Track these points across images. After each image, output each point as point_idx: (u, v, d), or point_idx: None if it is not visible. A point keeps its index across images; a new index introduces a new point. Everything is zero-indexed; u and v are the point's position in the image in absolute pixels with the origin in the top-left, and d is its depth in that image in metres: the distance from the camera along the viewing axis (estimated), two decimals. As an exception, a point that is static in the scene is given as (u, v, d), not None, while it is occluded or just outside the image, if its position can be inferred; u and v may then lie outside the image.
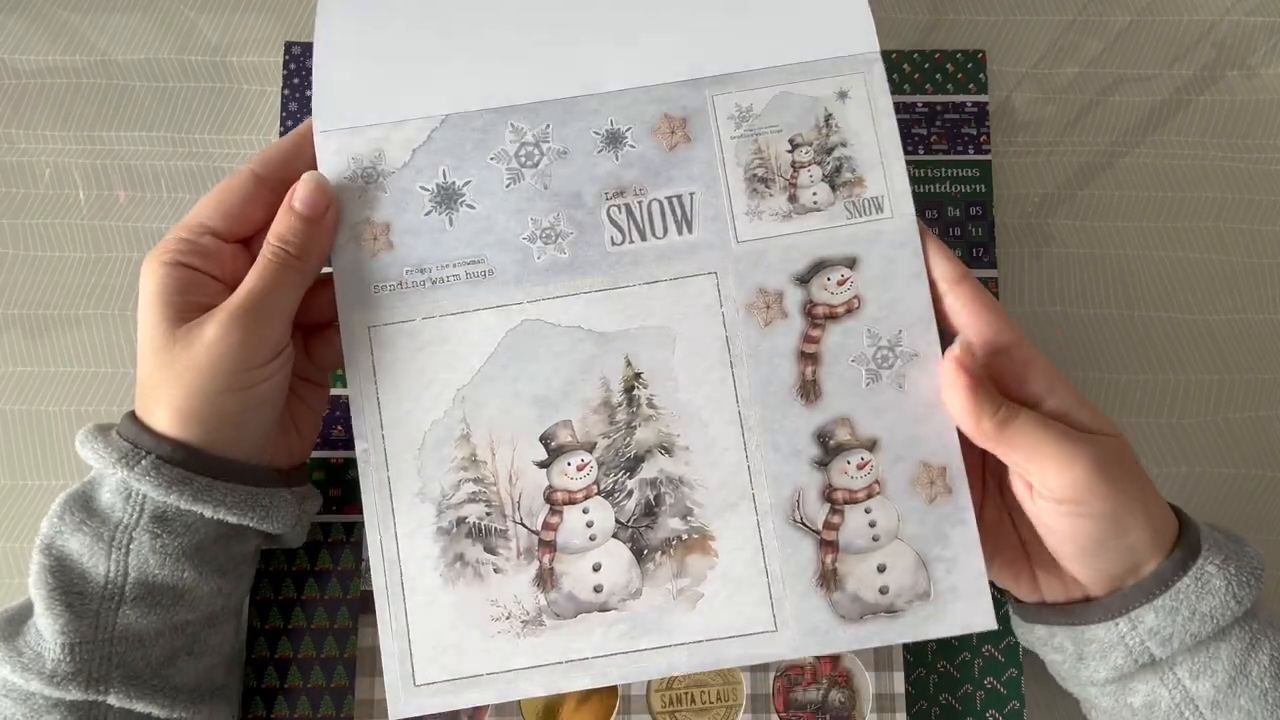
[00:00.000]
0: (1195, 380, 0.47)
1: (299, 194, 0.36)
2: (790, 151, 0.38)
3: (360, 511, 0.41)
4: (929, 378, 0.37)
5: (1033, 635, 0.38)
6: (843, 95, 0.38)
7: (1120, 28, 0.50)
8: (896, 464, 0.36)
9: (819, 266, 0.37)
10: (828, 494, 0.36)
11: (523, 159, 0.38)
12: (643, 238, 0.38)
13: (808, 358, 0.37)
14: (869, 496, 0.36)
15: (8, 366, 0.46)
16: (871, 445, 0.37)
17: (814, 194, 0.38)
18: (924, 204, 0.46)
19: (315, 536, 0.43)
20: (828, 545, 0.36)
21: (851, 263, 0.37)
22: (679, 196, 0.38)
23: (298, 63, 0.47)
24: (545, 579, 0.36)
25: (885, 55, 0.45)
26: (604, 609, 0.36)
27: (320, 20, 0.39)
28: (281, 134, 0.46)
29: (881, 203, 0.38)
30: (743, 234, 0.38)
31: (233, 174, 0.37)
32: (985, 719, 0.42)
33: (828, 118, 0.38)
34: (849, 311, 0.37)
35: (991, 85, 0.49)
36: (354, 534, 0.43)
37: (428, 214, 0.38)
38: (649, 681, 0.41)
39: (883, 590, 0.36)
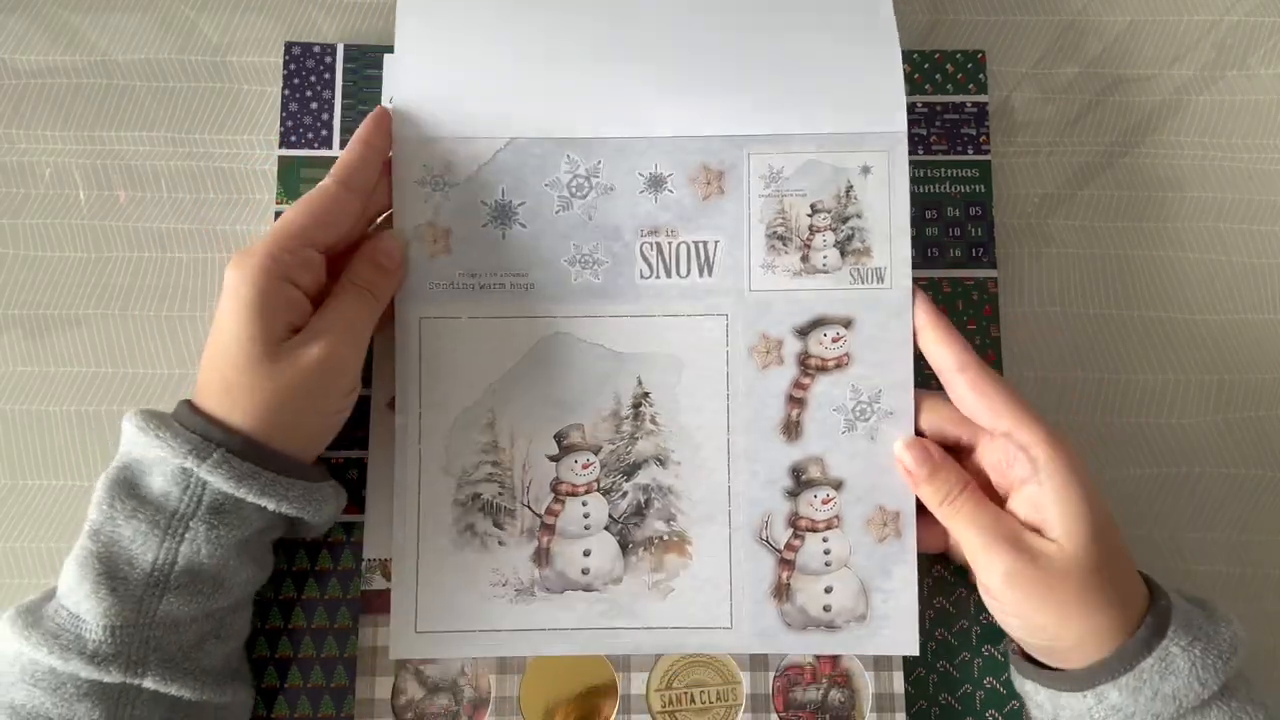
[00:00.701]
0: (1195, 380, 0.47)
1: (383, 250, 0.40)
2: (810, 216, 0.42)
3: (360, 512, 0.42)
4: (898, 434, 0.41)
5: (1023, 688, 0.40)
6: (866, 170, 0.42)
7: (1120, 28, 0.50)
8: (857, 504, 0.41)
9: (818, 323, 0.42)
10: (793, 520, 0.41)
11: (573, 189, 0.42)
12: (668, 275, 0.42)
13: (795, 401, 0.42)
14: (828, 528, 0.41)
15: (8, 366, 0.46)
16: (838, 485, 0.41)
17: (824, 257, 0.42)
18: (924, 204, 0.46)
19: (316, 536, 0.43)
20: (786, 564, 0.41)
21: (847, 323, 0.41)
22: (705, 243, 0.42)
23: (298, 63, 0.47)
24: (541, 556, 0.41)
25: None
26: (588, 589, 0.41)
27: (400, 35, 0.42)
28: (282, 134, 0.46)
29: (883, 274, 0.42)
30: (756, 284, 0.42)
31: (319, 187, 0.39)
32: (985, 719, 0.42)
33: (848, 189, 0.42)
34: (838, 366, 0.41)
35: (991, 85, 0.49)
36: (354, 534, 0.43)
37: (484, 226, 0.42)
38: (648, 681, 0.41)
39: (826, 608, 0.41)
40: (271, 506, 0.37)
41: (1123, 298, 0.47)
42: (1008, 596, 0.37)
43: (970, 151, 0.47)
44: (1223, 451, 0.46)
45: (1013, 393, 0.38)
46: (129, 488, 0.36)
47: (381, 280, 0.40)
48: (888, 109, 0.42)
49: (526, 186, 0.42)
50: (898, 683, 0.41)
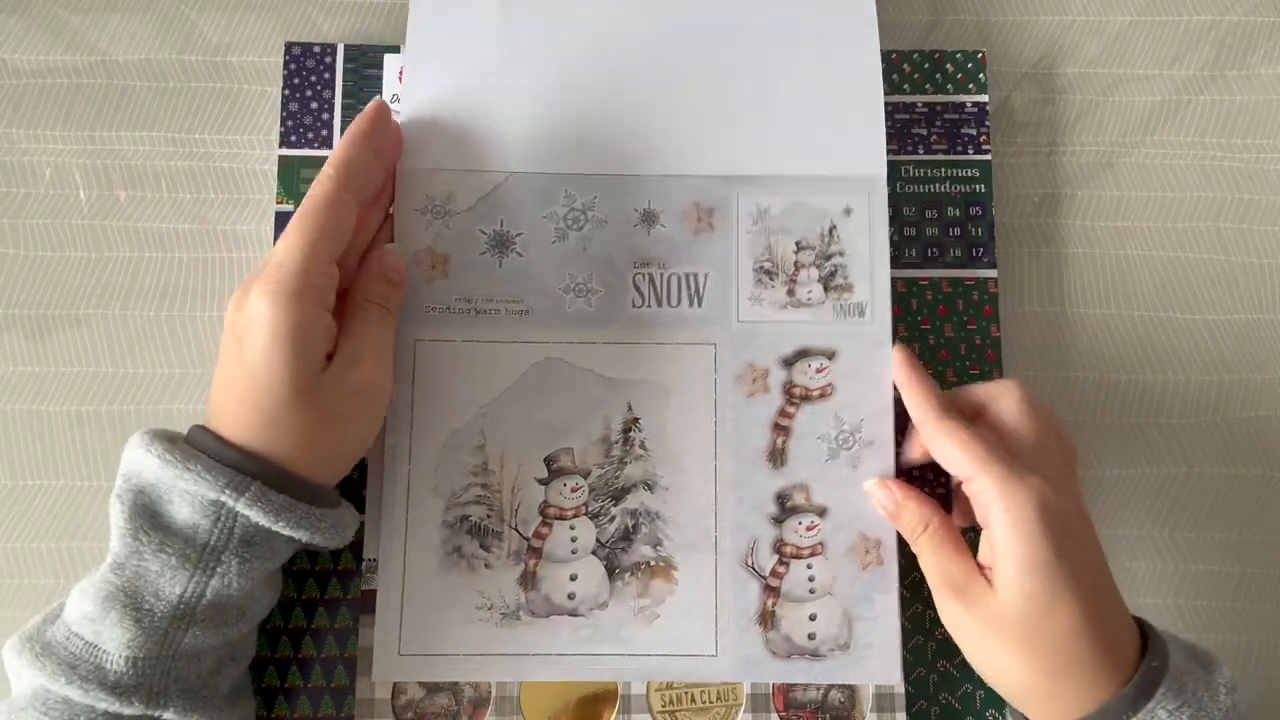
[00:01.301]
0: (1195, 380, 0.47)
1: (389, 264, 0.40)
2: (795, 252, 0.44)
3: (360, 513, 0.42)
4: (879, 463, 0.42)
5: None
6: (848, 211, 0.44)
7: (1120, 28, 0.50)
8: (840, 531, 0.42)
9: (803, 354, 0.43)
10: (778, 547, 0.42)
11: (569, 222, 0.43)
12: (659, 305, 0.43)
13: (780, 429, 0.43)
14: (812, 555, 0.42)
15: (8, 366, 0.46)
16: (822, 512, 0.42)
17: (809, 291, 0.43)
18: (924, 204, 0.46)
19: (315, 536, 0.43)
20: (771, 590, 0.42)
21: (831, 355, 0.43)
22: (695, 275, 0.43)
23: (298, 63, 0.47)
24: (528, 580, 0.41)
25: (885, 55, 0.46)
26: (574, 614, 0.41)
27: (409, 70, 0.44)
28: (282, 134, 0.46)
29: (864, 308, 0.43)
30: (743, 315, 0.43)
31: (325, 198, 0.37)
32: (985, 719, 0.42)
33: (831, 229, 0.44)
34: (822, 396, 0.43)
35: (991, 85, 0.49)
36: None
37: (482, 254, 0.43)
38: (648, 681, 0.41)
39: (810, 636, 0.41)
40: (304, 538, 0.36)
41: (1123, 298, 0.47)
42: (956, 638, 0.37)
43: (970, 151, 0.47)
44: (1223, 451, 0.46)
45: (970, 438, 0.37)
46: (152, 517, 0.35)
47: (394, 294, 0.40)
48: (869, 154, 0.44)
49: (525, 218, 0.43)
50: (898, 682, 0.41)
